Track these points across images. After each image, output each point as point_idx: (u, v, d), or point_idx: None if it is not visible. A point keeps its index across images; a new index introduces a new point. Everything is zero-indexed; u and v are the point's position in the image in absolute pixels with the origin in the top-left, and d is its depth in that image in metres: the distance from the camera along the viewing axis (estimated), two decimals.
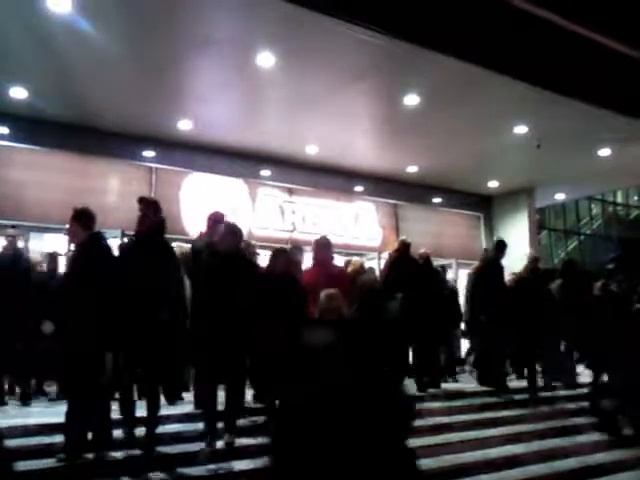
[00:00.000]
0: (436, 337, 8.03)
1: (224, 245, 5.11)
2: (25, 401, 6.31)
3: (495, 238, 9.01)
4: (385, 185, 13.84)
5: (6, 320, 6.20)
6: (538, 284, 8.16)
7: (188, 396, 6.42)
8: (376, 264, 11.66)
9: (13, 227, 6.90)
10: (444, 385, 8.08)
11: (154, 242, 4.88)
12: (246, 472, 4.64)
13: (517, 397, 7.67)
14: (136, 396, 5.13)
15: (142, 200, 5.06)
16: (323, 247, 6.65)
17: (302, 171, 12.60)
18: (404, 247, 8.04)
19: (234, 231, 5.26)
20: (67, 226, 4.88)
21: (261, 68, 8.28)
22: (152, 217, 4.95)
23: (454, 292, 9.60)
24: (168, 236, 10.45)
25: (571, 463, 5.98)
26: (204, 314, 4.84)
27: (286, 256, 6.00)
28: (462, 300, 9.30)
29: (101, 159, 10.59)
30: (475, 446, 5.98)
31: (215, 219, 6.21)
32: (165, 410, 5.64)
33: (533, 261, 8.51)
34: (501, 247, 8.15)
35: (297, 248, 7.25)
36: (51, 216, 9.26)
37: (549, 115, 10.07)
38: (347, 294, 5.61)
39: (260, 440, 4.92)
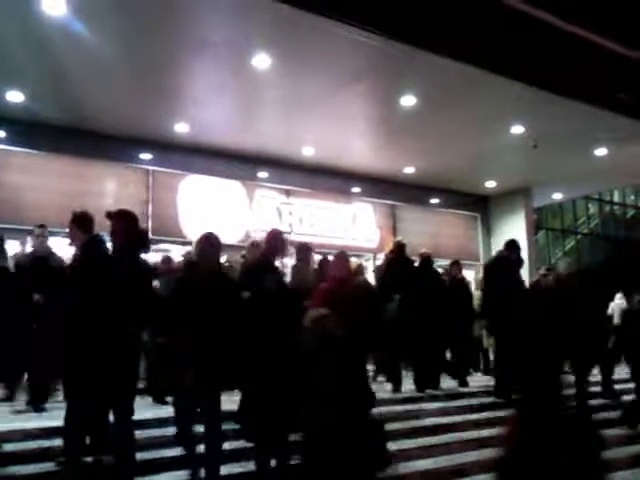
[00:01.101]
0: (436, 337, 7.97)
1: (205, 261, 4.61)
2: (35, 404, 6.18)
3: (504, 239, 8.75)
4: (382, 186, 13.87)
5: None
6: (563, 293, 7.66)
7: None
8: (371, 265, 11.71)
9: (42, 226, 6.77)
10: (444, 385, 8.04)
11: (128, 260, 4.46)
12: (236, 476, 4.62)
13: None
14: None
15: (110, 215, 4.54)
16: (344, 263, 6.25)
17: (299, 173, 12.63)
18: (399, 248, 8.03)
19: (212, 243, 4.69)
20: (67, 229, 4.86)
21: (257, 70, 8.30)
22: (124, 234, 4.49)
23: (465, 289, 9.14)
24: (165, 238, 10.46)
25: None
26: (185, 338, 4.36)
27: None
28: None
29: (98, 162, 10.59)
30: (474, 447, 5.98)
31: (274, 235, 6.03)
32: (164, 413, 5.65)
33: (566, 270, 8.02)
34: (510, 246, 7.86)
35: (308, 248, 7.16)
36: (49, 219, 9.19)
37: (545, 115, 10.09)
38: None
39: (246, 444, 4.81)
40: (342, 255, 6.26)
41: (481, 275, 9.87)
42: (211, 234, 4.69)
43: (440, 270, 9.33)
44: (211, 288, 4.41)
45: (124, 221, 4.56)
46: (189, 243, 10.95)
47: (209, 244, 4.63)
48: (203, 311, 4.29)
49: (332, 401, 3.37)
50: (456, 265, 8.97)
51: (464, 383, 8.26)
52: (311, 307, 4.89)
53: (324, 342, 3.61)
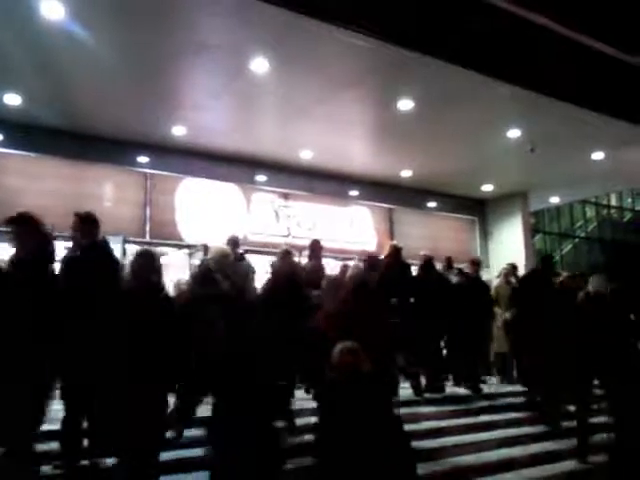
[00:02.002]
0: (436, 340, 7.90)
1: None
2: None
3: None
4: (380, 189, 13.89)
5: None
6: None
7: None
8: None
9: None
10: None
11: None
12: None
13: (512, 400, 7.70)
14: None
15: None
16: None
17: (297, 176, 12.64)
18: (395, 252, 8.00)
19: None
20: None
21: (255, 74, 8.30)
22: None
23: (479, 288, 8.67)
24: (163, 242, 10.42)
25: (567, 466, 6.00)
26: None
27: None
28: None
29: (95, 165, 10.59)
30: (470, 450, 5.99)
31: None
32: None
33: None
34: (545, 263, 7.59)
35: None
36: (45, 222, 9.23)
37: (542, 119, 10.12)
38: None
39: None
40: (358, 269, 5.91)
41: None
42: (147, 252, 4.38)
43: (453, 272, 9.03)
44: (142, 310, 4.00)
45: (24, 226, 4.37)
46: (187, 247, 11.00)
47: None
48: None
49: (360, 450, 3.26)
50: (470, 264, 8.73)
51: (477, 389, 7.96)
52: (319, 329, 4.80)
53: (352, 378, 3.49)
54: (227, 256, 5.43)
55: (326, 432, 3.56)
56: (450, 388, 8.14)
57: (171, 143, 10.92)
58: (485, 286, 8.86)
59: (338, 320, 4.80)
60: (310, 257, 7.35)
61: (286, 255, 6.47)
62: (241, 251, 7.49)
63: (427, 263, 8.09)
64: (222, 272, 5.28)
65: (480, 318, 8.11)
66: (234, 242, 7.22)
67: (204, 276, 5.34)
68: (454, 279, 8.64)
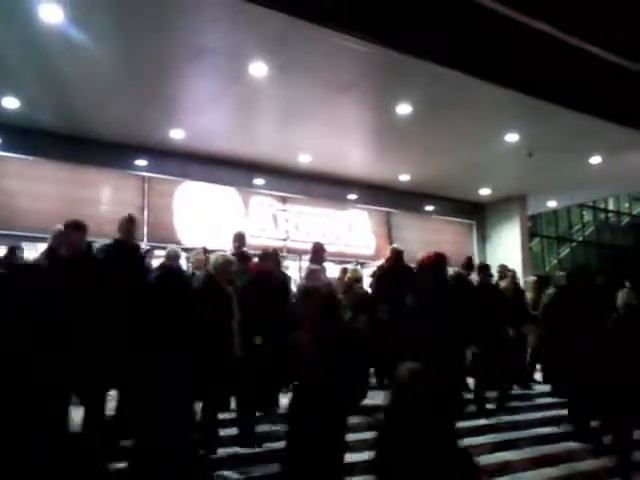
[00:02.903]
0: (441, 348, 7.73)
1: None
2: None
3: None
4: (378, 193, 13.91)
5: None
6: None
7: None
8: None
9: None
10: None
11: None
12: None
13: (510, 404, 7.69)
14: None
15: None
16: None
17: (295, 180, 12.65)
18: (397, 255, 7.92)
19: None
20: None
21: (254, 78, 8.31)
22: None
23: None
24: (160, 245, 10.42)
25: (562, 469, 6.00)
26: None
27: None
28: None
29: (93, 168, 10.58)
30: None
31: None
32: None
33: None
34: (579, 273, 6.96)
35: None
36: (43, 225, 9.23)
37: (540, 123, 10.14)
38: None
39: None
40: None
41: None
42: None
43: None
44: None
45: None
46: (185, 249, 10.99)
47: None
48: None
49: None
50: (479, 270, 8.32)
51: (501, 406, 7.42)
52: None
53: (425, 399, 3.46)
54: (230, 262, 5.38)
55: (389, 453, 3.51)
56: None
57: (169, 146, 10.93)
58: (499, 291, 8.59)
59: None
60: (312, 260, 7.31)
61: (314, 273, 6.44)
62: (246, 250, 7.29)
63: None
64: (227, 279, 5.25)
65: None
66: (240, 238, 7.13)
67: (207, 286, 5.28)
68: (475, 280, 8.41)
